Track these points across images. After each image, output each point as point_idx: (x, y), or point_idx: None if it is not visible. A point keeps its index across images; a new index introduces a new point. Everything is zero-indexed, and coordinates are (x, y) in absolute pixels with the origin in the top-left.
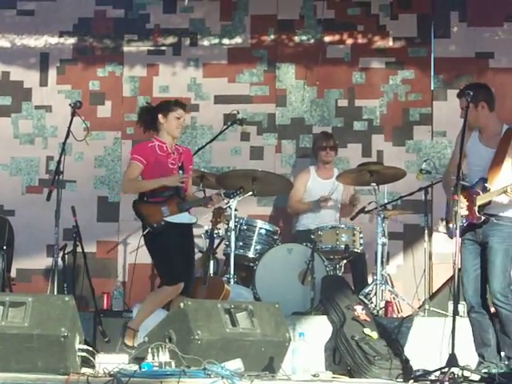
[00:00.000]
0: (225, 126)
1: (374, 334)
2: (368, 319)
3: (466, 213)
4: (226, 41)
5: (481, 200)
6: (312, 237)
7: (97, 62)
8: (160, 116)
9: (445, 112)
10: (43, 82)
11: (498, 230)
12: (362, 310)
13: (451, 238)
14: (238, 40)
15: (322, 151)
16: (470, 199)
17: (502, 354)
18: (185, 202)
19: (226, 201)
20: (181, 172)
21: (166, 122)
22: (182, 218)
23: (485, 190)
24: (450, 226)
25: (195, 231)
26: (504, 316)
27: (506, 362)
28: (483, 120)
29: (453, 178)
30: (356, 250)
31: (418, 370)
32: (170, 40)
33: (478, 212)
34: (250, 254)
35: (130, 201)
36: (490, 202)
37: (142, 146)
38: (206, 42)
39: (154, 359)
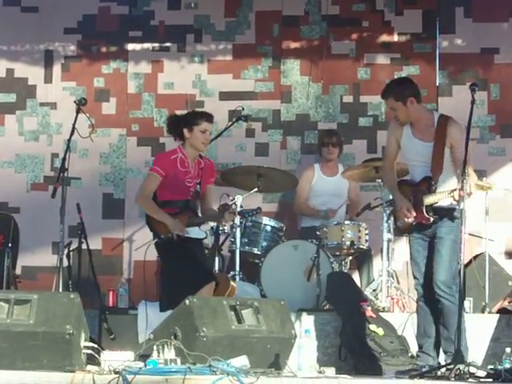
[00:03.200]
0: (230, 123)
1: (380, 331)
2: (374, 316)
3: (414, 213)
4: (230, 37)
5: (428, 200)
6: (317, 233)
7: (101, 58)
8: (185, 130)
9: (450, 107)
10: (48, 79)
11: (445, 221)
12: (368, 306)
13: (400, 234)
14: (242, 36)
15: (325, 148)
16: (416, 197)
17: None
18: (196, 217)
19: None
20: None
21: (191, 137)
22: (191, 232)
23: (430, 189)
24: (398, 223)
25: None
26: (446, 308)
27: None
28: (414, 114)
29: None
30: (361, 247)
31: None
32: None
33: (427, 212)
34: (256, 251)
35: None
36: (437, 202)
37: (165, 158)
38: (210, 39)
39: (159, 356)
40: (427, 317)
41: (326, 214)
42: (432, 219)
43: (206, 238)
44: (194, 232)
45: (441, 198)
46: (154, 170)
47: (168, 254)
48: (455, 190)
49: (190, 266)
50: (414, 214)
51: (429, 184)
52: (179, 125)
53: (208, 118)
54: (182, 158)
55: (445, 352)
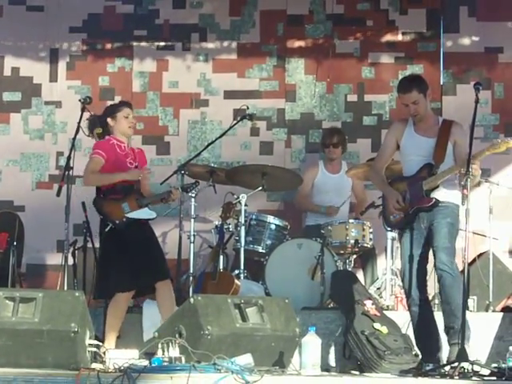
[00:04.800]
0: (234, 121)
1: (384, 329)
2: (378, 314)
3: (403, 205)
4: (235, 36)
5: (428, 184)
6: (322, 232)
7: (106, 57)
8: (109, 120)
9: (454, 107)
10: (53, 78)
11: (442, 209)
12: (372, 304)
13: (390, 229)
14: (247, 35)
15: (326, 148)
16: (413, 186)
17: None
18: (144, 198)
19: (183, 194)
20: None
21: (116, 124)
22: (142, 213)
23: (431, 174)
24: (391, 217)
25: (205, 226)
26: (448, 282)
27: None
28: (428, 108)
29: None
30: (366, 245)
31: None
32: None
33: (427, 195)
34: (260, 249)
35: None
36: (437, 186)
37: (104, 143)
38: (215, 37)
39: (164, 354)
40: (422, 319)
41: (326, 210)
42: (434, 200)
43: (155, 217)
44: (144, 213)
45: (445, 176)
46: (96, 153)
47: (113, 243)
48: (459, 164)
49: (128, 264)
50: (403, 204)
51: (429, 170)
52: (101, 118)
53: (127, 104)
54: (118, 144)
55: (448, 327)
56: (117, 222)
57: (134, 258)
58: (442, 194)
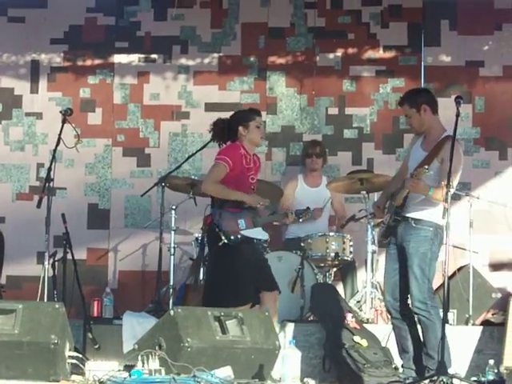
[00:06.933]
0: None
1: (364, 342)
2: (358, 327)
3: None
4: (216, 48)
5: (395, 200)
6: (302, 245)
7: (87, 69)
8: (241, 128)
9: None
10: (34, 89)
11: (414, 235)
12: (352, 317)
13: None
14: (228, 47)
15: (308, 158)
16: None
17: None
18: (260, 218)
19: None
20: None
21: (249, 133)
22: (257, 233)
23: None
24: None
25: (186, 238)
26: (422, 323)
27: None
28: (427, 123)
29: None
30: (346, 258)
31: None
32: None
33: (395, 213)
34: None
35: (120, 208)
36: (404, 203)
37: (234, 150)
38: (196, 50)
39: (143, 366)
40: (401, 332)
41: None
42: (385, 217)
43: (268, 239)
44: (258, 233)
45: (402, 195)
46: (223, 159)
47: (228, 258)
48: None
49: (239, 279)
50: (375, 209)
51: (402, 185)
52: (231, 125)
53: (258, 113)
54: (245, 154)
55: (425, 367)
56: (232, 237)
57: (244, 275)
58: (419, 213)
